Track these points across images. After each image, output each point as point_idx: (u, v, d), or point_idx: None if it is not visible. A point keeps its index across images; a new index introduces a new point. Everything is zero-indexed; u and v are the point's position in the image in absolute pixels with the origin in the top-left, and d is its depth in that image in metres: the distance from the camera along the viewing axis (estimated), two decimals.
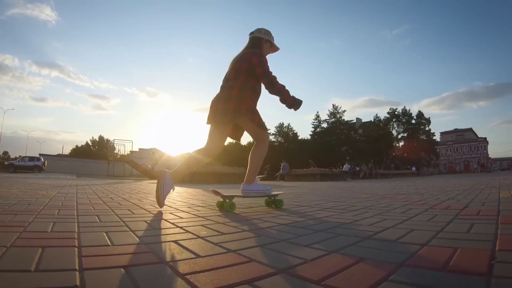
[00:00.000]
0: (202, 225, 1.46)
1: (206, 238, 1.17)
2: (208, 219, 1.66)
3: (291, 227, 1.42)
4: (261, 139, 2.21)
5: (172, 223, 1.51)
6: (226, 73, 2.19)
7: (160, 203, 1.98)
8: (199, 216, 1.77)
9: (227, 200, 2.02)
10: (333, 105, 48.95)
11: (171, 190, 2.00)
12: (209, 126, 2.14)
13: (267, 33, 2.26)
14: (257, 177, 2.25)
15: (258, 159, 2.19)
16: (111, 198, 3.08)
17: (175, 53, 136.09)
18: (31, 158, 24.40)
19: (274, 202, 2.20)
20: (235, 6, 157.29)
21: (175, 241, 1.11)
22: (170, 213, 1.90)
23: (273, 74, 2.06)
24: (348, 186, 6.26)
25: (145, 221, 1.56)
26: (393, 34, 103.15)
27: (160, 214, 1.82)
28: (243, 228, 1.39)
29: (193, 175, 9.99)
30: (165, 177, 1.96)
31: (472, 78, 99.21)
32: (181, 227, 1.40)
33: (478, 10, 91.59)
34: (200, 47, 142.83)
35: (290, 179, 14.67)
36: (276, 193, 2.25)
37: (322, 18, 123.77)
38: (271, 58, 2.27)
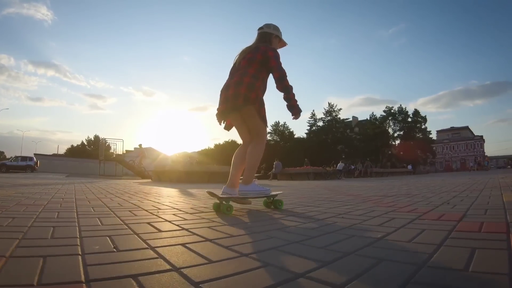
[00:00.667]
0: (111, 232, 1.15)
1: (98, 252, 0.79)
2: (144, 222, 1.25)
3: (215, 246, 1.00)
4: (260, 135, 2.11)
5: (93, 230, 1.27)
6: (235, 63, 2.17)
7: (264, 192, 2.10)
8: (147, 217, 1.45)
9: (223, 202, 1.89)
10: (328, 104, 48.45)
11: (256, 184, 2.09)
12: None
13: (276, 28, 2.28)
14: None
15: (256, 157, 2.08)
16: (63, 198, 2.76)
17: (171, 52, 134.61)
18: (24, 158, 24.08)
19: (273, 203, 2.12)
20: (230, 6, 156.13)
21: (77, 254, 0.87)
22: (118, 217, 1.50)
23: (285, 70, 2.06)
24: (338, 186, 5.85)
25: (52, 227, 1.25)
26: (389, 33, 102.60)
27: (86, 219, 1.40)
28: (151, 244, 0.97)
29: (180, 174, 9.59)
30: (246, 191, 2.03)
31: (468, 76, 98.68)
32: (107, 236, 1.15)
33: (474, 9, 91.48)
34: (195, 46, 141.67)
35: (283, 178, 14.32)
36: (275, 193, 2.16)
37: (318, 17, 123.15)
38: None
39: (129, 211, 1.94)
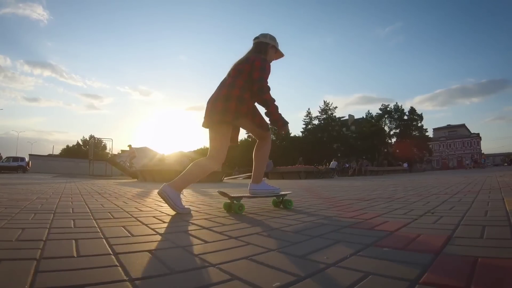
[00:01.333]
0: None
1: None
2: None
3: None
4: (263, 138, 2.12)
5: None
6: (226, 75, 2.07)
7: (179, 210, 1.83)
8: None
9: (235, 202, 1.86)
10: (324, 102, 47.73)
11: (181, 196, 1.88)
12: (207, 131, 1.97)
13: (272, 38, 2.16)
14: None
15: (263, 156, 2.11)
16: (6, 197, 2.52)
17: (167, 52, 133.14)
18: (15, 159, 24.04)
19: (282, 203, 2.07)
20: (226, 6, 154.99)
21: None
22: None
23: (268, 85, 1.94)
24: (322, 186, 5.32)
25: None
26: (386, 32, 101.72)
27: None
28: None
29: (166, 173, 9.06)
30: (165, 191, 1.80)
31: (464, 74, 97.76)
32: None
33: (470, 7, 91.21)
34: (192, 46, 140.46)
35: (274, 177, 13.83)
36: (284, 193, 2.12)
37: (315, 16, 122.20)
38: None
39: (49, 212, 1.50)
